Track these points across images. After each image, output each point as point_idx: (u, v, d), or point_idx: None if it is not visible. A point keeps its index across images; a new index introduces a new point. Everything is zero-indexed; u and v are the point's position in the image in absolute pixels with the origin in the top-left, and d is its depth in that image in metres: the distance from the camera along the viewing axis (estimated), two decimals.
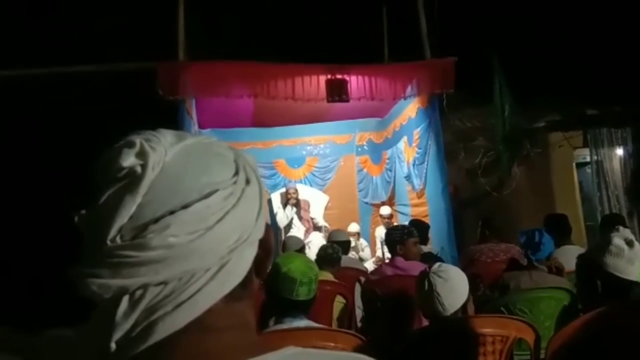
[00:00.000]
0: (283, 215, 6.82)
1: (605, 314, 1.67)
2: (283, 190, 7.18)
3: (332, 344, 1.87)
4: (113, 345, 0.52)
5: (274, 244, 0.69)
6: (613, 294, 1.81)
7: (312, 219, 6.97)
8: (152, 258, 0.53)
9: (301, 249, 4.10)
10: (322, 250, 3.65)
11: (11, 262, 4.66)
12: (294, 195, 6.83)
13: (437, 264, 2.08)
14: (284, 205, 6.90)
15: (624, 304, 1.76)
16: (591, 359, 1.69)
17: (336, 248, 3.69)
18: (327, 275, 3.29)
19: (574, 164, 6.88)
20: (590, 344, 1.65)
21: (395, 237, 3.22)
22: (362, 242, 6.61)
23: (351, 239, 6.29)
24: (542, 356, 2.03)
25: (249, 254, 0.60)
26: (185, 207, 0.54)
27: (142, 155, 0.55)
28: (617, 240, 1.85)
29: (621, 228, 1.98)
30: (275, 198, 7.24)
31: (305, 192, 7.22)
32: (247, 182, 0.60)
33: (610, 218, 4.61)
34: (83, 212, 0.57)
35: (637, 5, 6.36)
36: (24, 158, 5.44)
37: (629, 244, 1.83)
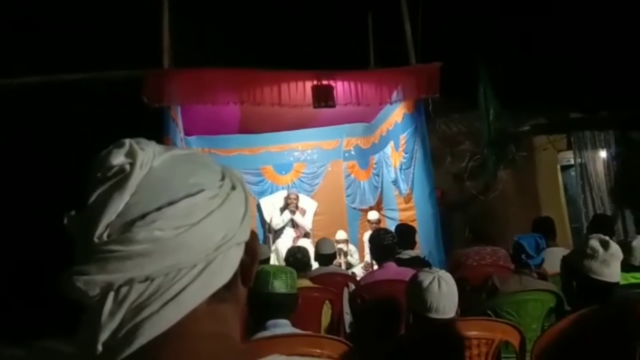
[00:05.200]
0: (280, 219, 6.80)
1: (585, 316, 1.68)
2: (271, 196, 7.21)
3: (319, 351, 1.86)
4: (99, 347, 0.52)
5: (260, 251, 0.69)
6: (589, 296, 1.81)
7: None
8: (138, 252, 0.53)
9: (267, 260, 3.92)
10: (291, 256, 3.51)
11: (6, 271, 4.61)
12: (295, 202, 6.81)
13: (440, 269, 2.06)
14: (282, 209, 6.88)
15: (603, 306, 1.76)
16: None
17: (304, 251, 3.57)
18: (304, 282, 3.17)
19: (558, 167, 6.96)
20: (571, 346, 1.66)
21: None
22: (351, 247, 6.61)
23: (340, 245, 6.29)
24: (527, 359, 2.04)
25: (235, 254, 0.60)
26: (171, 203, 0.55)
27: (131, 154, 0.56)
28: (593, 242, 1.84)
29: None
30: (264, 204, 7.23)
31: None
32: (233, 187, 0.61)
33: (598, 219, 4.62)
34: (72, 213, 0.57)
35: (622, 12, 6.48)
36: (12, 164, 5.39)
37: (604, 245, 1.82)
